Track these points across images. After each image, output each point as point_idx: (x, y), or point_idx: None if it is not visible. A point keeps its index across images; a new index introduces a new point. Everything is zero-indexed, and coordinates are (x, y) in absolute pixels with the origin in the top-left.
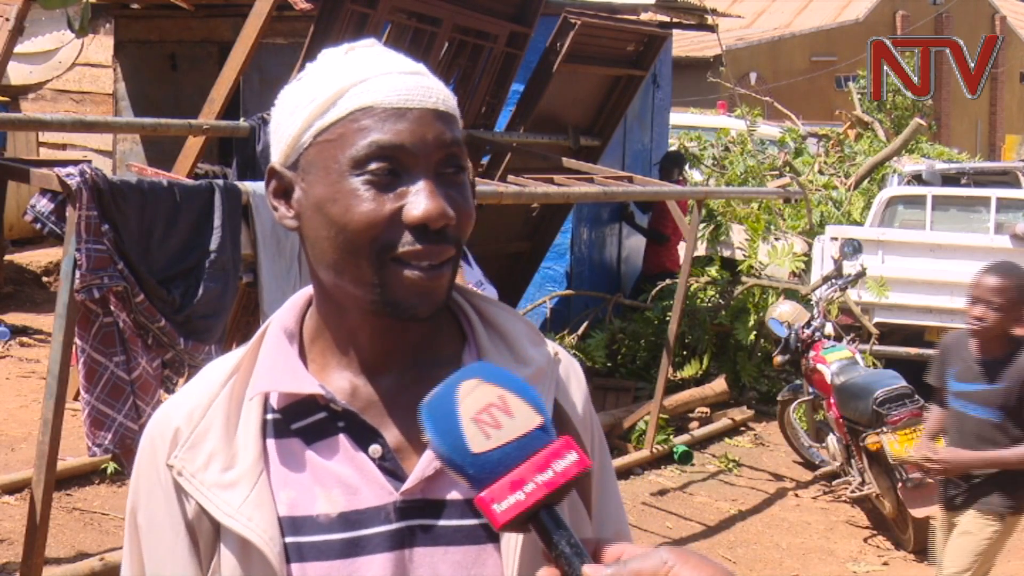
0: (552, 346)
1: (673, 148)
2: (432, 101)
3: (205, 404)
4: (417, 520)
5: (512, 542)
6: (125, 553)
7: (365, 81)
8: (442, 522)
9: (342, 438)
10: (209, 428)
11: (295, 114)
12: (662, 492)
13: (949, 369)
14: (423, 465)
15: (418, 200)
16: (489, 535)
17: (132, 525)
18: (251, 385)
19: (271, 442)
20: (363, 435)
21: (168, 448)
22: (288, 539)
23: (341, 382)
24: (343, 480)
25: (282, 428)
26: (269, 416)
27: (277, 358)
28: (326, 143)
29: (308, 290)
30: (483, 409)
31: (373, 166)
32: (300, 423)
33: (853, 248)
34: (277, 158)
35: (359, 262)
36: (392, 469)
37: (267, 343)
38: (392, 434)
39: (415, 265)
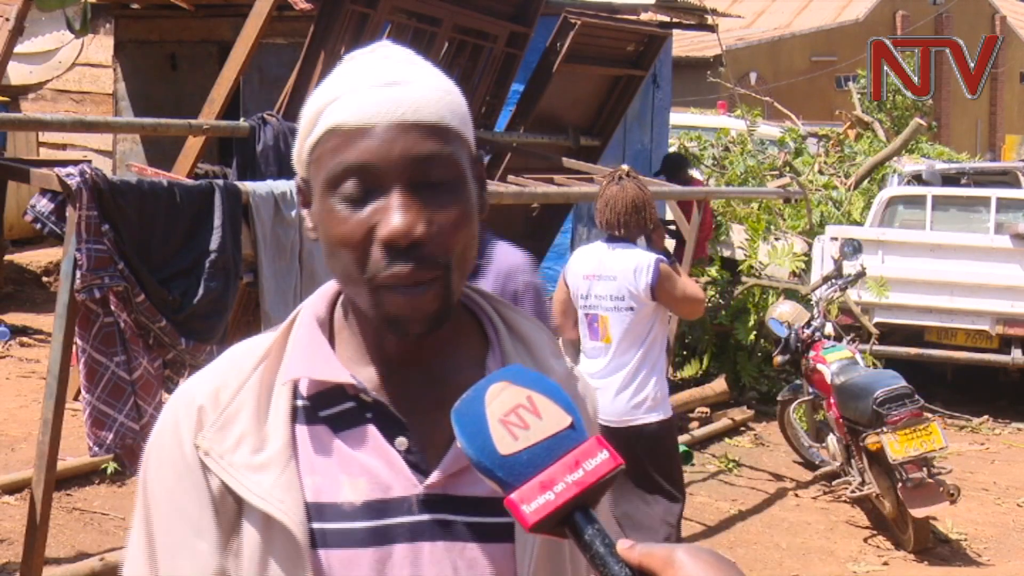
0: (570, 362)
1: (673, 150)
2: (400, 113)
3: (235, 387)
4: (438, 515)
5: (528, 542)
6: (135, 526)
7: (336, 100)
8: (461, 518)
9: (370, 428)
10: (240, 411)
11: (301, 130)
12: None
13: None
14: (448, 461)
15: (386, 218)
16: (507, 534)
17: (144, 496)
18: (283, 371)
19: (301, 428)
20: (391, 427)
21: (194, 426)
22: (313, 524)
23: (369, 373)
24: (369, 469)
25: (311, 415)
26: (298, 402)
27: (309, 345)
28: (315, 163)
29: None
30: (511, 411)
31: (344, 186)
32: (328, 411)
33: (853, 248)
34: (299, 171)
35: (352, 277)
36: (416, 462)
37: (298, 330)
38: (416, 429)
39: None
